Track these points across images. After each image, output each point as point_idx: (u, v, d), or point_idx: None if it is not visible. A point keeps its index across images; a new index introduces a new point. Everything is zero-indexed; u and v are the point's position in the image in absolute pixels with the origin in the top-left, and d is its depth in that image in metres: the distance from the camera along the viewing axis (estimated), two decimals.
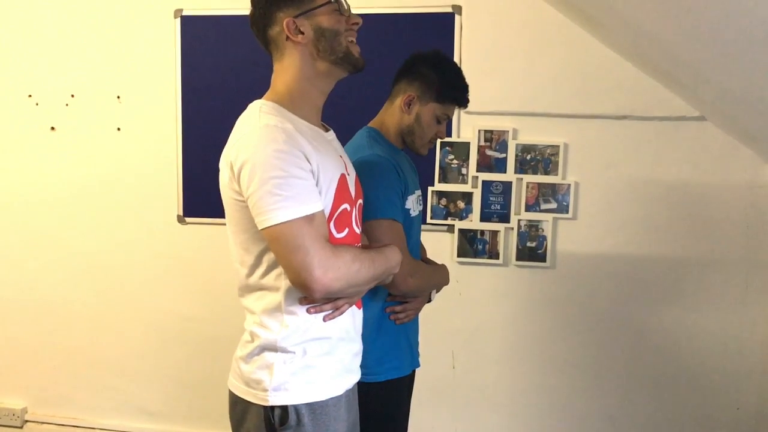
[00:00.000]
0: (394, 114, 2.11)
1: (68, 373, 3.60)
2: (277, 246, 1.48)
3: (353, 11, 1.67)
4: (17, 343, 3.62)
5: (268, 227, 1.46)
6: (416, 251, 2.16)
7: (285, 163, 1.46)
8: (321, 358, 1.60)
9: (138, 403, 3.55)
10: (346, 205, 1.64)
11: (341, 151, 1.75)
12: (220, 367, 3.38)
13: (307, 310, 1.57)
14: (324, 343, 1.61)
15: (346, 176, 1.67)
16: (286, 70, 1.63)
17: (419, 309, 2.14)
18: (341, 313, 1.63)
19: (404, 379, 2.11)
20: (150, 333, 3.50)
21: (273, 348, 1.57)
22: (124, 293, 3.50)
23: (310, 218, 1.47)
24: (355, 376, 1.74)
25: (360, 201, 1.77)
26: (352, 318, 1.70)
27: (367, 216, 1.89)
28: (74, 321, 3.55)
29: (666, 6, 2.12)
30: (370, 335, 1.98)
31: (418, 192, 2.18)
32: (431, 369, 3.09)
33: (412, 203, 2.09)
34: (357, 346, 1.74)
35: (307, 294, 1.51)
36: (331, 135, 1.73)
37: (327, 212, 1.56)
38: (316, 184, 1.52)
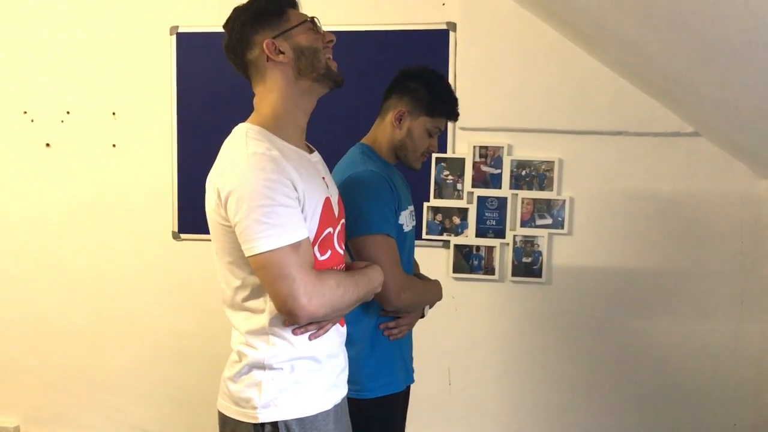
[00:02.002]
0: (385, 130, 2.12)
1: (62, 390, 3.57)
2: (263, 273, 1.50)
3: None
4: (10, 361, 3.59)
5: (255, 255, 1.48)
6: (409, 266, 2.16)
7: (273, 192, 1.48)
8: (309, 374, 1.62)
9: (133, 420, 3.52)
10: (329, 229, 1.67)
11: (325, 172, 1.77)
12: (214, 384, 3.35)
13: (293, 332, 1.59)
14: (311, 360, 1.63)
15: (330, 198, 1.69)
16: (269, 91, 1.65)
17: (412, 324, 2.14)
18: (325, 332, 1.64)
19: (398, 395, 2.10)
20: (145, 350, 3.48)
21: (261, 366, 1.59)
22: (118, 310, 3.48)
23: (296, 246, 1.49)
24: (342, 391, 1.76)
25: (342, 221, 1.78)
26: (337, 334, 1.72)
27: (360, 231, 1.89)
28: (68, 338, 3.53)
29: (659, 24, 2.14)
30: (363, 351, 1.98)
31: (411, 207, 2.18)
32: (427, 386, 3.07)
33: (405, 218, 2.09)
34: (343, 362, 1.76)
35: (293, 321, 1.54)
36: (316, 156, 1.75)
37: (312, 237, 1.58)
38: (302, 210, 1.54)
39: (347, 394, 1.91)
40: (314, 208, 1.59)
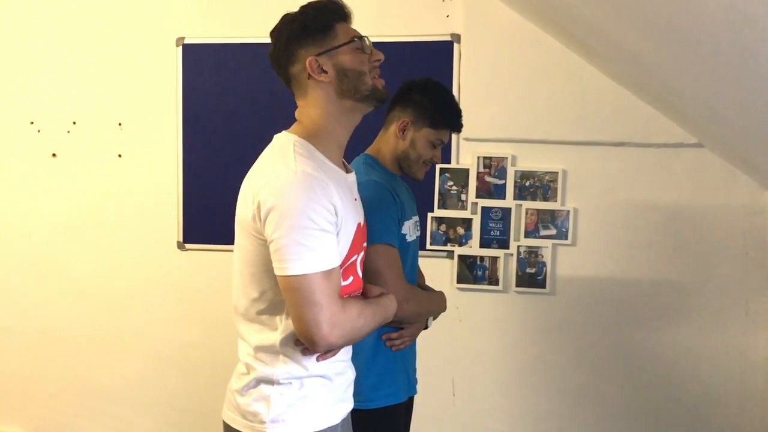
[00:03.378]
0: (389, 141, 2.13)
1: (66, 400, 3.56)
2: (292, 296, 1.47)
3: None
4: (15, 371, 3.59)
5: (288, 276, 1.45)
6: (413, 276, 2.16)
7: (316, 215, 1.45)
8: (318, 388, 1.61)
9: (137, 430, 3.52)
10: (356, 256, 1.65)
11: (357, 193, 1.75)
12: (219, 395, 3.34)
13: (302, 352, 1.57)
14: (320, 378, 1.62)
15: (361, 225, 1.68)
16: (310, 107, 1.62)
17: (415, 335, 2.13)
18: (334, 355, 1.63)
19: (400, 405, 2.10)
20: (149, 360, 3.48)
21: (269, 381, 1.58)
22: (123, 320, 3.48)
23: (328, 274, 1.47)
24: (349, 405, 1.75)
25: (365, 244, 1.77)
26: (345, 351, 1.71)
27: None
28: (73, 348, 3.53)
29: (662, 35, 2.14)
30: (365, 362, 1.97)
31: (415, 218, 2.19)
32: (431, 397, 3.07)
33: (409, 228, 2.09)
34: (351, 377, 1.75)
35: (310, 347, 1.52)
36: (351, 177, 1.73)
37: (340, 262, 1.56)
38: (337, 235, 1.53)
39: None
40: (348, 235, 1.58)
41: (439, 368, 3.19)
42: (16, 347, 3.59)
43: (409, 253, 2.11)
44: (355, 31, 1.64)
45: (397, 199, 2.01)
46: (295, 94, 1.66)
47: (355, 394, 1.85)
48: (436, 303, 2.23)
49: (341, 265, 1.57)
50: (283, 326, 1.56)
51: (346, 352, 1.72)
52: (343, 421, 1.69)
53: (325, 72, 1.58)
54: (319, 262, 1.45)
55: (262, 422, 1.57)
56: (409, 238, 2.09)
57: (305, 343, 1.51)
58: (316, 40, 1.58)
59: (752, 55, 1.84)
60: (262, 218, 1.49)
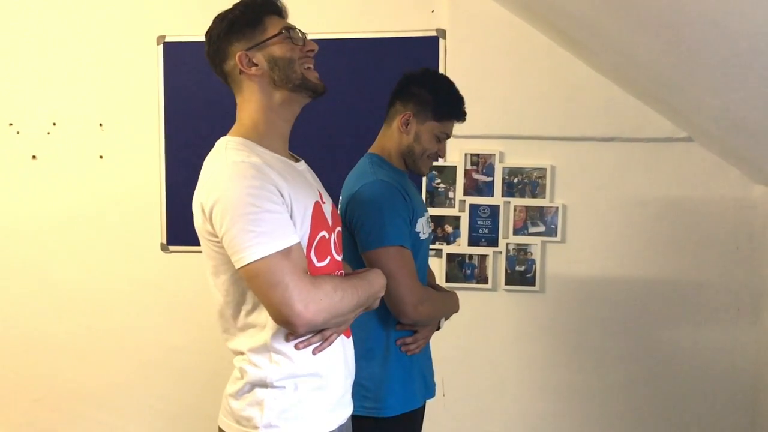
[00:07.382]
0: (392, 136, 2.07)
1: (51, 406, 3.52)
2: (255, 283, 1.44)
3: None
4: None
5: (245, 265, 1.43)
6: (423, 274, 2.11)
7: (257, 199, 1.43)
8: (313, 392, 1.57)
9: None
10: (324, 233, 1.61)
11: (314, 180, 1.73)
12: (206, 398, 3.33)
13: (295, 346, 1.53)
14: (314, 378, 1.57)
15: (321, 204, 1.64)
16: (247, 102, 1.63)
17: (429, 337, 2.10)
18: (330, 344, 1.58)
19: (417, 411, 2.06)
20: (135, 364, 3.44)
21: (263, 384, 1.54)
22: (107, 323, 3.43)
23: (286, 252, 1.44)
24: (348, 410, 1.70)
25: (338, 229, 1.73)
26: (343, 349, 1.66)
27: (373, 244, 1.85)
28: (57, 352, 3.48)
29: (652, 29, 2.12)
30: (379, 367, 1.94)
31: (427, 214, 2.15)
32: None
33: (422, 226, 2.05)
34: (350, 379, 1.70)
35: (291, 330, 1.48)
36: (302, 165, 1.71)
37: (305, 242, 1.54)
38: (291, 216, 1.50)
39: (364, 413, 1.86)
40: (303, 212, 1.54)
41: None
42: None
43: (422, 250, 2.07)
44: (287, 23, 1.64)
45: (407, 198, 1.97)
46: (233, 91, 1.66)
47: (371, 401, 1.81)
48: (450, 304, 2.19)
49: (309, 245, 1.55)
50: (270, 323, 1.52)
51: (343, 348, 1.66)
52: (341, 427, 1.65)
53: (256, 65, 1.58)
54: (273, 243, 1.43)
55: (256, 427, 1.53)
56: (422, 236, 2.05)
57: (284, 326, 1.48)
58: (245, 35, 1.59)
59: (740, 48, 1.82)
60: (209, 218, 1.49)
